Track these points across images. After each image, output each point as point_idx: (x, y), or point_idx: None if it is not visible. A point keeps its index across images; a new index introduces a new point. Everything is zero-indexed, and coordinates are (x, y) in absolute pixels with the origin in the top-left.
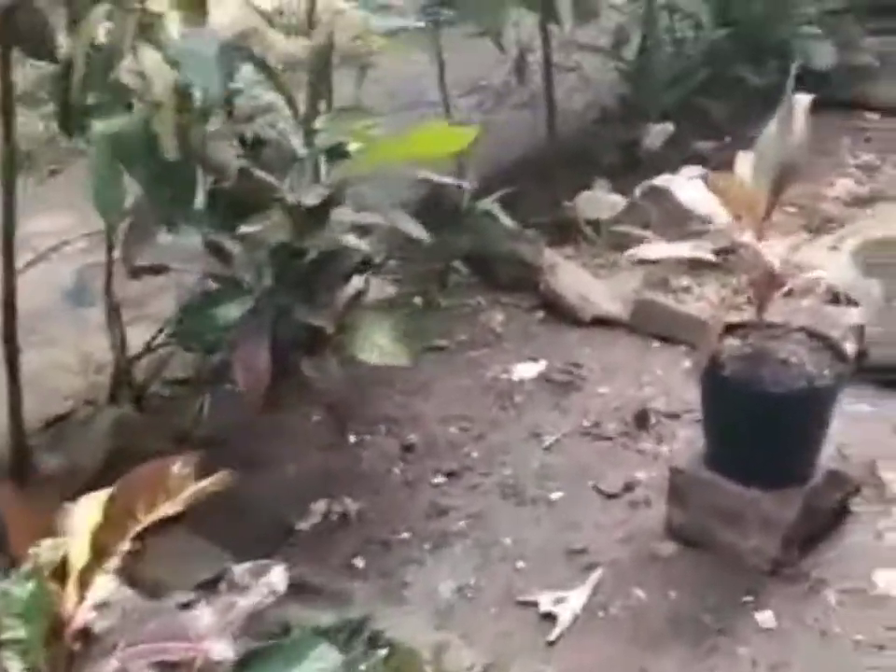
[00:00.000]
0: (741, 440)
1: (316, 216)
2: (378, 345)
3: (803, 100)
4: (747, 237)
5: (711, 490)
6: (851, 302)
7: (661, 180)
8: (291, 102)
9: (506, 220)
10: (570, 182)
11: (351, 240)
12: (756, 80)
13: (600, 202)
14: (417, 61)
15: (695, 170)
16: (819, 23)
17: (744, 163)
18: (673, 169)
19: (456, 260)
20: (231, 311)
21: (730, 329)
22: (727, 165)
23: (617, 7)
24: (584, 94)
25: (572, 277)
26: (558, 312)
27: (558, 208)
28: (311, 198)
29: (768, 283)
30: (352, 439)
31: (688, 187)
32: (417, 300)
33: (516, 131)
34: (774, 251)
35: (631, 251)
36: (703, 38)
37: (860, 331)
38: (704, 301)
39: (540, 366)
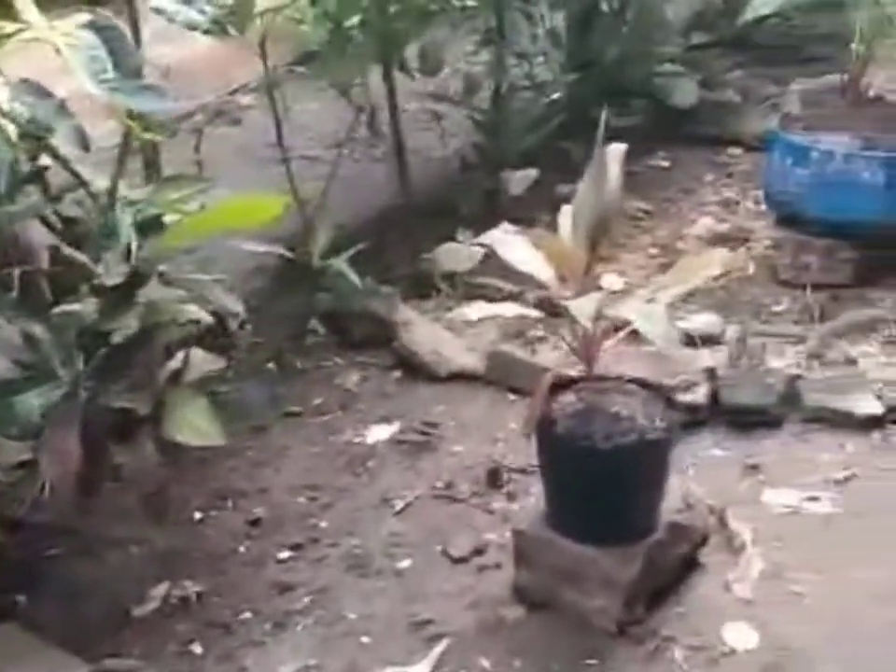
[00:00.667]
0: (577, 498)
1: (122, 295)
2: (193, 426)
3: (615, 151)
4: (564, 295)
5: (553, 550)
6: (705, 344)
7: (486, 238)
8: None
9: (354, 278)
10: (432, 233)
11: (181, 311)
12: (623, 120)
13: (459, 253)
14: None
15: (510, 227)
16: (683, 60)
17: (566, 218)
18: (537, 214)
19: (313, 320)
20: (33, 399)
21: (564, 384)
22: None
23: (467, 57)
24: (445, 144)
25: (427, 333)
26: (414, 369)
27: (417, 261)
28: (113, 277)
29: (589, 339)
30: (197, 515)
31: (512, 245)
32: (272, 364)
33: (377, 183)
34: (585, 308)
35: (454, 312)
36: (561, 81)
37: (711, 374)
38: (558, 352)
39: (395, 427)
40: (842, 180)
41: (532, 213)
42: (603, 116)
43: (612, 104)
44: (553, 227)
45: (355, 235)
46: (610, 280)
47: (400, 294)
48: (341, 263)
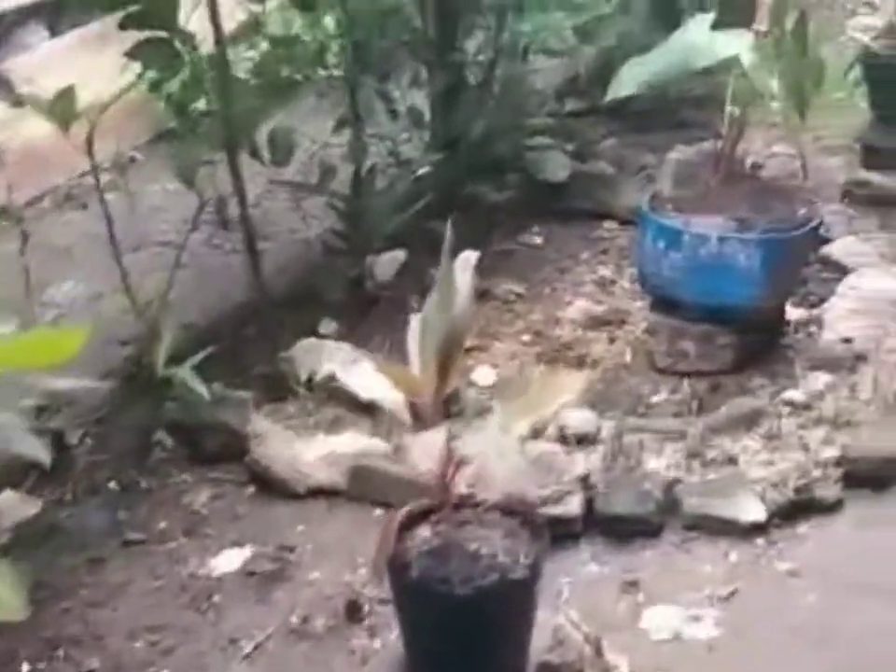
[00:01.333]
0: (435, 644)
1: None
2: None
3: (466, 260)
4: (409, 429)
5: None
6: (580, 444)
7: (329, 367)
8: None
9: (200, 388)
10: (294, 327)
11: None
12: (494, 196)
13: (319, 351)
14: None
15: (358, 353)
16: (555, 130)
17: (415, 337)
18: (408, 299)
19: (160, 432)
20: None
21: (419, 515)
22: None
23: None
24: (308, 228)
25: (283, 444)
26: (269, 485)
27: (275, 361)
28: None
29: (442, 468)
30: (25, 669)
31: (357, 369)
32: (113, 484)
33: (232, 276)
34: (431, 446)
35: (293, 447)
36: (427, 159)
37: (585, 481)
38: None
39: (246, 553)
40: (717, 264)
41: (402, 298)
42: (448, 228)
43: (483, 179)
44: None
45: (206, 335)
46: (483, 373)
47: (257, 399)
48: (185, 371)
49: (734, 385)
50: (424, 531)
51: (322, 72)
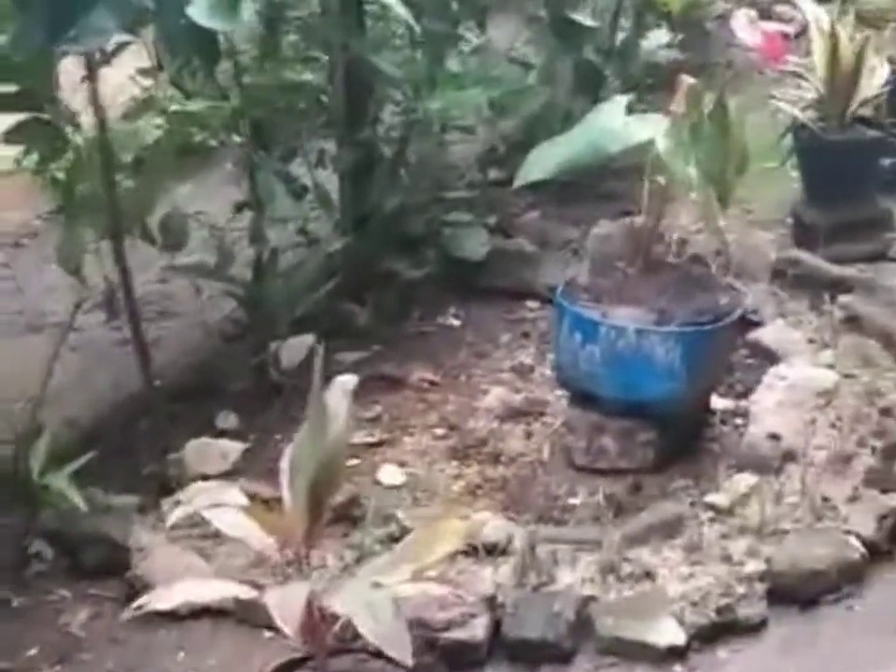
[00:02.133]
0: None
1: None
2: None
3: (343, 385)
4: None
5: None
6: (489, 555)
7: (191, 499)
8: None
9: (76, 498)
10: (190, 421)
11: None
12: (411, 273)
13: (210, 451)
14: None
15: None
16: (474, 203)
17: (286, 471)
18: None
19: (37, 542)
20: None
21: (290, 666)
22: (374, 380)
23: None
24: (205, 316)
25: (168, 559)
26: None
27: (164, 462)
28: None
29: (312, 621)
30: None
31: (226, 514)
32: None
33: (123, 367)
34: (290, 605)
35: (139, 601)
36: (338, 238)
37: (492, 602)
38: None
39: None
40: (636, 357)
41: (308, 386)
42: (320, 352)
43: (399, 256)
44: None
45: (95, 430)
46: (389, 472)
47: (145, 503)
48: (61, 480)
49: (655, 486)
50: None
51: (236, 138)
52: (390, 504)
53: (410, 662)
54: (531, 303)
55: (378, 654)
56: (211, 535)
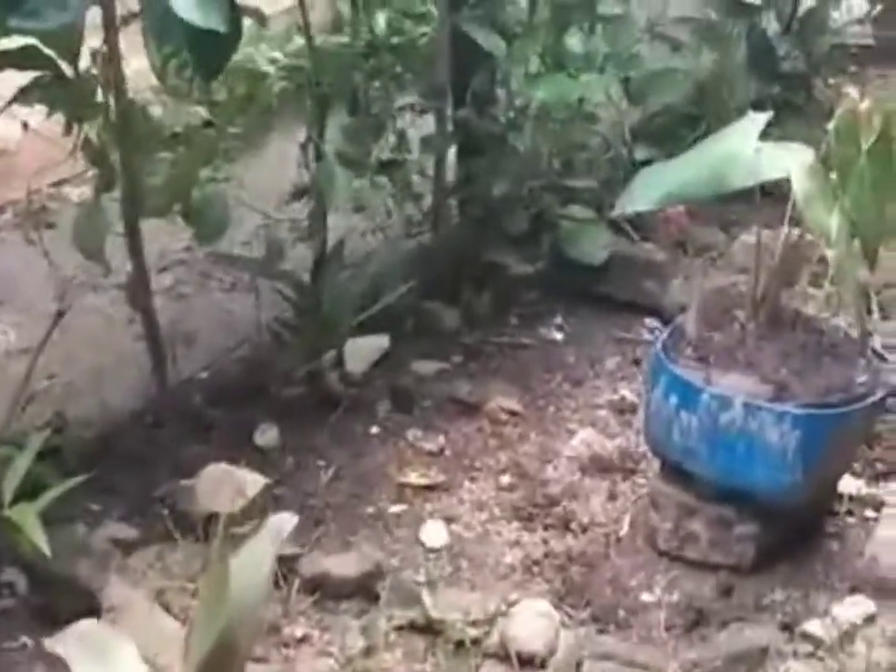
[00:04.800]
0: None
1: None
2: None
3: (277, 529)
4: None
5: None
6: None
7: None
8: None
9: (39, 538)
10: (226, 433)
11: None
12: (521, 268)
13: (228, 480)
14: None
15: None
16: (601, 191)
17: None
18: (376, 403)
19: (12, 570)
20: None
21: None
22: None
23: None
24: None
25: (143, 624)
26: None
27: (174, 490)
28: None
29: None
30: None
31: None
32: None
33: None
34: None
35: None
36: (432, 225)
37: None
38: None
39: None
40: (741, 437)
41: (372, 400)
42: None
43: (505, 249)
44: None
45: (89, 448)
46: (434, 529)
47: (140, 538)
48: (28, 513)
49: (748, 592)
50: None
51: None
52: (423, 575)
53: None
54: (651, 321)
55: None
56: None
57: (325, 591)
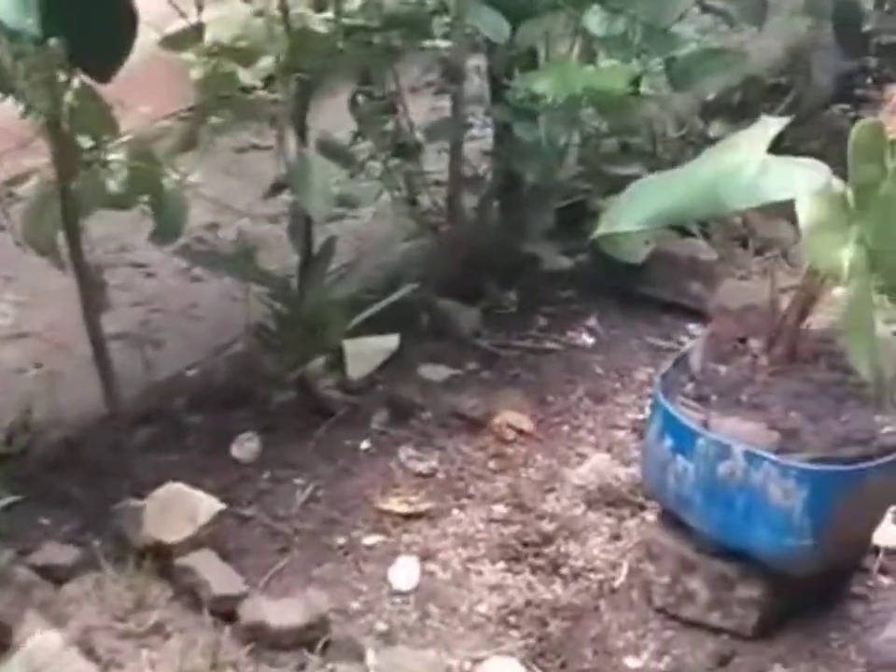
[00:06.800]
0: None
1: None
2: None
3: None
4: None
5: None
6: None
7: None
8: None
9: None
10: (203, 441)
11: None
12: (558, 262)
13: (180, 504)
14: None
15: None
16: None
17: None
18: (370, 415)
19: None
20: None
21: None
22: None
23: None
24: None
25: (56, 664)
26: None
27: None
28: None
29: None
30: None
31: None
32: None
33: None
34: None
35: None
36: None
37: None
38: None
39: None
40: (741, 490)
41: (367, 411)
42: None
43: (542, 239)
44: None
45: (52, 453)
46: (406, 568)
47: (84, 561)
48: None
49: (748, 664)
50: None
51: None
52: (384, 622)
53: None
54: (693, 327)
55: None
56: (144, 630)
57: (262, 640)
